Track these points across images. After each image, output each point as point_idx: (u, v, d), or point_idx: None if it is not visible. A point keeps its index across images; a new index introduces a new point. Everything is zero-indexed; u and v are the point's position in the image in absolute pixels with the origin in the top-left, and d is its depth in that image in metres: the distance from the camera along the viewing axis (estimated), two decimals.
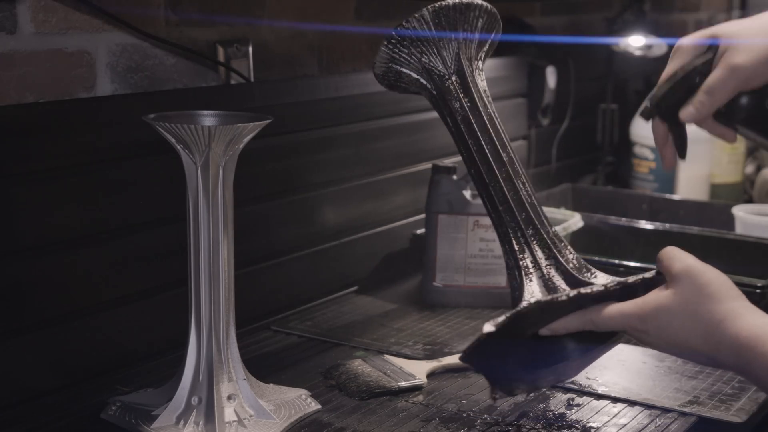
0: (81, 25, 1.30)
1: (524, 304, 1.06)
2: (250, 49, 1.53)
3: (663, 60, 1.17)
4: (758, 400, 1.23)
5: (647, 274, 1.04)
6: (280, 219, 1.54)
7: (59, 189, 1.22)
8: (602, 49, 2.38)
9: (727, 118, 1.11)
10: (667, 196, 2.15)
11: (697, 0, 3.00)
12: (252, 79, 1.52)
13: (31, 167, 1.19)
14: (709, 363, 1.01)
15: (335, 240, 1.65)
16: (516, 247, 1.11)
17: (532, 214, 1.12)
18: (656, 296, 1.00)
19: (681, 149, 1.15)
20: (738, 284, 1.46)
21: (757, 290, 1.47)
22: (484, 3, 1.19)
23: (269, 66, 1.58)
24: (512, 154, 1.15)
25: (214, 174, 1.11)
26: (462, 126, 1.16)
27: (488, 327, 1.03)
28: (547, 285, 1.09)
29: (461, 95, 1.16)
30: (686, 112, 1.10)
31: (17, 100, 1.23)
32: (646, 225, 1.87)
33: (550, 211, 1.82)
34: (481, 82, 1.19)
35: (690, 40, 1.11)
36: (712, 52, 1.09)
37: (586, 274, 1.10)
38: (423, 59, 1.18)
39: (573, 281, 1.09)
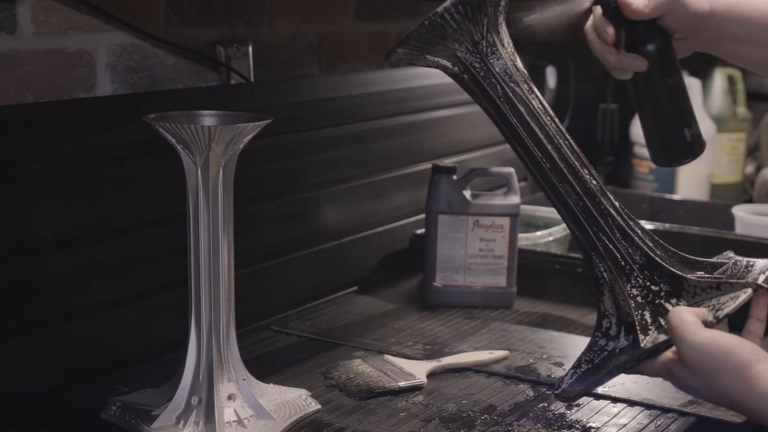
0: (81, 25, 1.30)
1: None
2: (250, 49, 1.53)
3: None
4: None
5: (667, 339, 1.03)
6: (280, 219, 1.54)
7: (59, 189, 1.22)
8: None
9: (635, 49, 1.14)
10: (667, 196, 2.15)
11: None
12: (252, 79, 1.52)
13: (31, 167, 1.19)
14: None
15: (335, 240, 1.65)
16: (584, 255, 1.09)
17: (584, 217, 1.08)
18: (668, 362, 1.00)
19: (617, 45, 1.17)
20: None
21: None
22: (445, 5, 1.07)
23: (269, 66, 1.58)
24: (550, 150, 1.09)
25: (214, 174, 1.11)
26: (496, 125, 1.10)
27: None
28: (616, 303, 1.06)
29: (480, 95, 1.09)
30: (636, 2, 1.11)
31: (17, 100, 1.23)
32: (646, 225, 1.86)
33: (550, 212, 1.82)
34: (500, 63, 1.08)
35: None
36: None
37: (651, 285, 1.06)
38: (432, 60, 1.10)
39: (628, 306, 1.06)
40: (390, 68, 1.79)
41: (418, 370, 1.29)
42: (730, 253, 1.10)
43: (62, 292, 1.23)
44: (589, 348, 1.07)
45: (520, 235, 1.63)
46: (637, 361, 1.04)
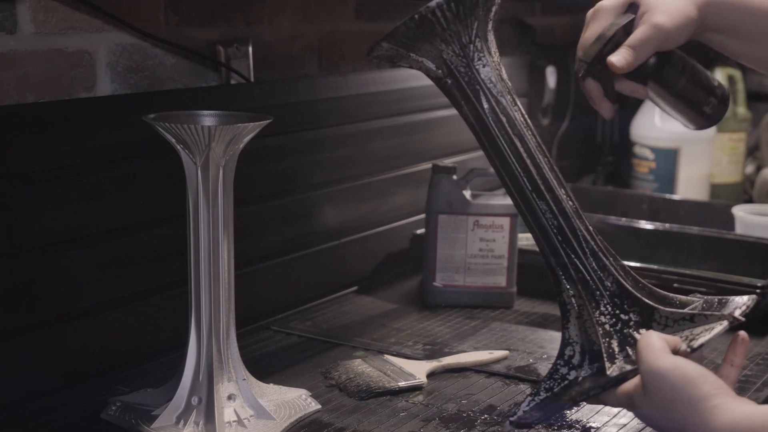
0: (81, 25, 1.30)
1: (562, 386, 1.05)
2: (250, 49, 1.53)
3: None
4: (758, 400, 1.23)
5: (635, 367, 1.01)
6: (280, 219, 1.54)
7: (59, 189, 1.22)
8: None
9: (641, 75, 1.15)
10: (667, 196, 2.15)
11: None
12: (252, 79, 1.52)
13: (31, 167, 1.19)
14: None
15: (335, 240, 1.65)
16: (552, 279, 1.07)
17: (558, 240, 1.06)
18: (632, 395, 0.98)
19: (612, 97, 1.17)
20: (738, 284, 1.48)
21: (757, 290, 1.47)
22: None
23: (269, 66, 1.58)
24: (528, 165, 1.06)
25: (214, 174, 1.11)
26: (473, 133, 1.08)
27: (506, 427, 1.06)
28: (582, 329, 1.04)
29: (462, 101, 1.07)
30: (615, 58, 1.10)
31: (17, 100, 1.23)
32: (646, 225, 1.87)
33: None
34: (485, 71, 1.07)
35: (610, 2, 1.14)
36: (632, 12, 1.13)
37: (621, 313, 1.05)
38: (416, 59, 1.08)
39: (595, 334, 1.04)
40: (390, 68, 1.79)
41: (418, 370, 1.29)
42: (698, 295, 1.09)
43: (62, 292, 1.23)
44: (550, 375, 1.05)
45: (520, 235, 1.63)
46: (602, 389, 1.01)
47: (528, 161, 1.06)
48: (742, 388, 1.27)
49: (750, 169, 2.39)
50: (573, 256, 1.06)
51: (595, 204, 2.11)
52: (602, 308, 1.04)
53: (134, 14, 1.35)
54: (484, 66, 1.07)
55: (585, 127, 2.39)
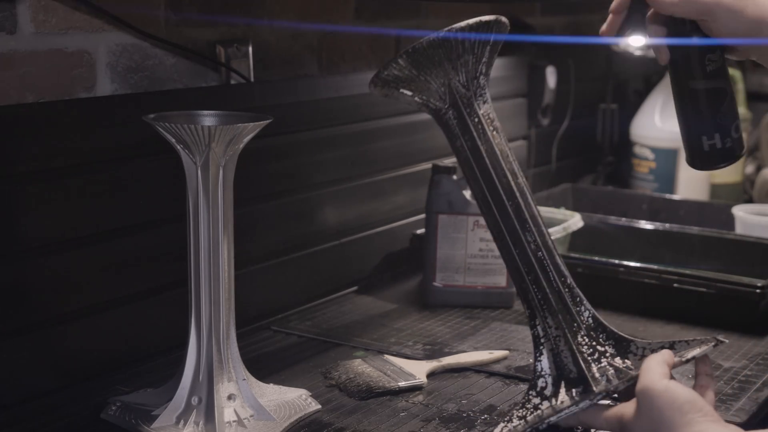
0: (81, 25, 1.30)
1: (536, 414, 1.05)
2: (250, 49, 1.53)
3: None
4: (758, 400, 1.23)
5: (631, 377, 1.03)
6: (280, 219, 1.54)
7: (59, 189, 1.22)
8: (602, 49, 2.38)
9: (676, 35, 1.08)
10: (667, 196, 2.15)
11: None
12: (252, 79, 1.52)
13: (31, 167, 1.19)
14: None
15: (335, 240, 1.65)
16: (527, 312, 1.09)
17: (540, 274, 1.07)
18: (622, 414, 0.99)
19: (623, 28, 1.13)
20: (738, 284, 1.48)
21: (757, 290, 1.47)
22: (472, 21, 1.07)
23: (269, 66, 1.58)
24: (520, 200, 1.08)
25: (214, 174, 1.11)
26: (464, 166, 1.10)
27: None
28: (557, 361, 1.06)
29: (461, 133, 1.09)
30: None
31: (17, 100, 1.23)
32: (646, 225, 1.87)
33: (550, 211, 1.82)
34: (485, 107, 1.10)
35: None
36: None
37: (597, 345, 1.06)
38: (415, 97, 1.09)
39: (576, 361, 1.05)
40: None
41: (418, 370, 1.29)
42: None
43: (62, 292, 1.23)
44: (522, 405, 1.07)
45: None
46: (588, 405, 1.02)
47: (518, 194, 1.09)
48: (742, 388, 1.27)
49: (750, 169, 2.39)
50: (555, 287, 1.07)
51: (595, 204, 2.11)
52: (579, 339, 1.06)
53: (134, 14, 1.35)
54: (484, 103, 1.10)
55: (585, 127, 2.39)
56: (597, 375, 1.04)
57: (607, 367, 1.05)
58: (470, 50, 1.07)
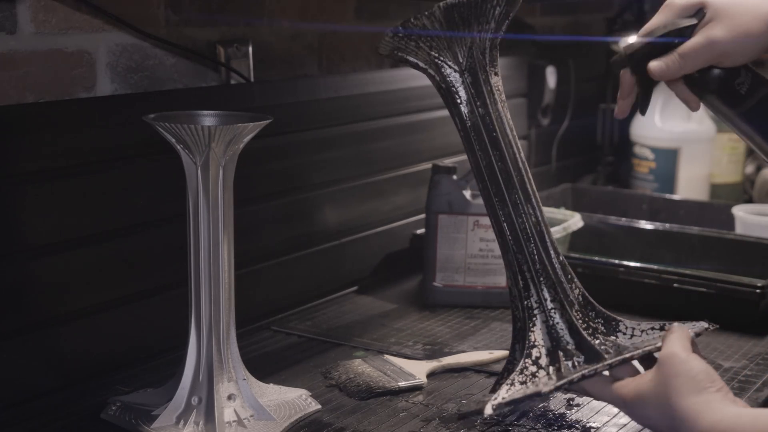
0: (81, 25, 1.30)
1: (527, 387, 1.04)
2: (250, 49, 1.53)
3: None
4: (758, 400, 1.23)
5: (647, 347, 1.03)
6: (280, 219, 1.54)
7: (59, 189, 1.22)
8: (602, 49, 2.38)
9: (697, 86, 1.10)
10: (667, 196, 2.15)
11: None
12: (252, 79, 1.52)
13: (32, 167, 1.19)
14: None
15: (335, 240, 1.65)
16: (521, 283, 1.09)
17: (540, 246, 1.08)
18: (637, 382, 0.99)
19: (643, 105, 1.14)
20: (738, 284, 1.48)
21: (757, 290, 1.47)
22: None
23: (269, 66, 1.58)
24: (524, 173, 1.10)
25: (214, 174, 1.11)
26: (472, 133, 1.10)
27: (488, 409, 1.02)
28: (551, 333, 1.06)
29: (474, 99, 1.09)
30: (656, 65, 1.08)
31: (17, 100, 1.23)
32: (646, 225, 1.87)
33: (549, 211, 1.82)
34: (495, 79, 1.11)
35: (682, 0, 1.10)
36: (698, 17, 1.08)
37: (589, 321, 1.07)
38: (432, 53, 1.09)
39: (575, 332, 1.06)
40: (390, 68, 1.79)
41: (418, 370, 1.29)
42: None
43: (62, 292, 1.23)
44: (520, 371, 1.06)
45: None
46: (593, 374, 1.02)
47: (522, 168, 1.10)
48: (742, 388, 1.27)
49: (750, 169, 2.39)
50: (552, 260, 1.08)
51: (595, 204, 2.11)
52: (574, 313, 1.07)
53: (134, 14, 1.35)
54: (496, 74, 1.11)
55: (585, 127, 2.39)
56: (598, 348, 1.05)
57: (604, 341, 1.06)
58: (494, 18, 1.08)
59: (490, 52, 1.10)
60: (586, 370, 1.03)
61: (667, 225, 1.86)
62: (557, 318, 1.07)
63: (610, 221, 1.89)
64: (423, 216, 1.64)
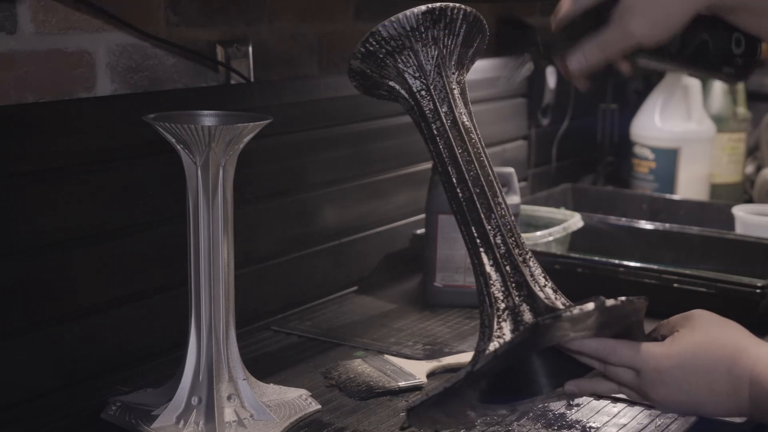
0: (81, 25, 1.30)
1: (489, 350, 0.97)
2: (250, 49, 1.53)
3: None
4: None
5: (632, 298, 0.97)
6: (280, 219, 1.54)
7: (59, 189, 1.22)
8: None
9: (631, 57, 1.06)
10: (667, 196, 2.15)
11: None
12: (252, 79, 1.52)
13: (31, 167, 1.19)
14: (728, 406, 0.94)
15: (335, 240, 1.65)
16: (492, 276, 1.04)
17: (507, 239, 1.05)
18: (679, 339, 0.95)
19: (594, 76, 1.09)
20: (738, 284, 1.48)
21: (757, 290, 1.47)
22: (467, 8, 1.09)
23: (269, 66, 1.58)
24: (489, 170, 1.09)
25: (214, 174, 1.11)
26: (440, 144, 1.09)
27: (440, 387, 0.96)
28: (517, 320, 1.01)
29: (439, 108, 1.09)
30: (575, 60, 1.04)
31: (17, 100, 1.23)
32: (646, 225, 1.87)
33: (550, 211, 1.82)
34: (458, 89, 1.11)
35: None
36: None
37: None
38: (399, 65, 1.10)
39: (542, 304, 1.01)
40: None
41: (418, 370, 1.29)
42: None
43: (62, 292, 1.23)
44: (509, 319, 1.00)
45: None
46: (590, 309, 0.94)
47: (487, 163, 1.09)
48: None
49: (750, 169, 2.39)
50: (515, 257, 1.05)
51: (595, 204, 2.11)
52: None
53: (134, 14, 1.35)
54: (459, 84, 1.11)
55: (585, 127, 2.39)
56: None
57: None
58: (455, 39, 1.10)
59: (457, 72, 1.11)
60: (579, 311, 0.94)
61: (667, 225, 1.86)
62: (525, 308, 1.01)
63: (610, 221, 1.89)
64: (423, 216, 1.64)
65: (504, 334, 0.99)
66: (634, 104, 2.44)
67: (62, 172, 1.23)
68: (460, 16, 1.09)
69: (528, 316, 0.99)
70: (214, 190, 1.12)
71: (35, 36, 1.24)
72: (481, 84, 1.96)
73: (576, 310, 0.94)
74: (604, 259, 1.60)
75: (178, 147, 1.11)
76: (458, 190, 1.08)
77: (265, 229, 1.51)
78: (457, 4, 1.08)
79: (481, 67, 1.98)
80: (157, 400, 1.15)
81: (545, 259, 1.64)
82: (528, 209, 1.84)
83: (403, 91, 1.11)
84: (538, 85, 2.17)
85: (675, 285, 1.52)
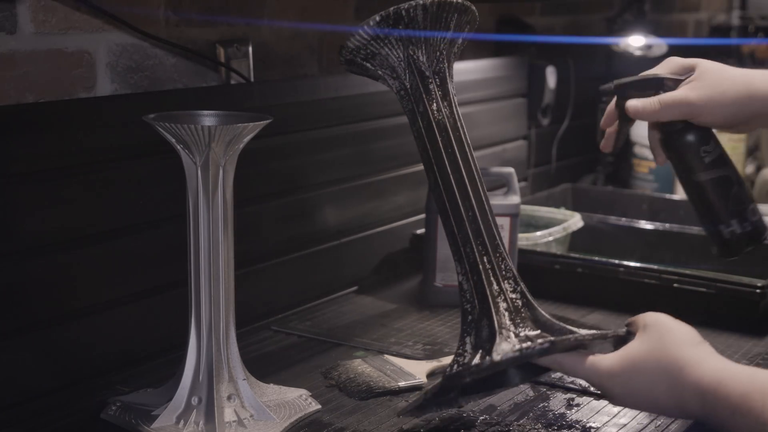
0: (81, 25, 1.30)
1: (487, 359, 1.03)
2: (250, 49, 1.53)
3: (662, 60, 1.19)
4: None
5: (620, 331, 1.03)
6: (281, 219, 1.54)
7: (59, 189, 1.22)
8: (602, 49, 2.38)
9: (669, 140, 1.15)
10: (667, 196, 2.15)
11: (697, 0, 3.00)
12: (252, 79, 1.52)
13: (32, 167, 1.19)
14: (676, 414, 1.01)
15: (335, 240, 1.65)
16: (479, 284, 1.10)
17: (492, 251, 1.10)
18: (626, 350, 0.99)
19: (617, 140, 1.21)
20: (738, 284, 1.48)
21: (757, 290, 1.47)
22: (425, 1, 1.10)
23: (269, 66, 1.58)
24: (474, 169, 1.12)
25: (214, 174, 1.11)
26: (437, 131, 1.13)
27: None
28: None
29: (440, 99, 1.11)
30: (633, 103, 1.15)
31: (17, 100, 1.23)
32: (646, 225, 1.87)
33: (550, 211, 1.82)
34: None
35: (681, 59, 1.17)
36: (687, 75, 1.14)
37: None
38: (409, 51, 1.11)
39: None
40: None
41: (418, 370, 1.29)
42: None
43: (62, 292, 1.23)
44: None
45: (520, 235, 1.63)
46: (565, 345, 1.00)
47: (476, 168, 1.13)
48: None
49: (750, 169, 2.39)
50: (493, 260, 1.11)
51: (595, 204, 2.11)
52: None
53: (134, 14, 1.35)
54: (451, 80, 1.14)
55: (585, 127, 2.39)
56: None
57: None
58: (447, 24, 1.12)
59: (452, 63, 1.13)
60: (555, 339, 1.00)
61: (667, 225, 1.86)
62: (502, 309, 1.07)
63: (610, 221, 1.89)
64: (423, 216, 1.64)
65: (466, 351, 1.07)
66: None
67: (62, 172, 1.23)
68: (419, 12, 1.10)
69: (486, 333, 1.06)
70: (214, 190, 1.12)
71: (35, 36, 1.24)
72: (481, 84, 1.96)
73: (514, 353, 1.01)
74: (604, 259, 1.60)
75: (178, 147, 1.11)
76: (437, 194, 1.13)
77: (265, 229, 1.51)
78: (412, 2, 1.10)
79: (482, 67, 1.99)
80: (157, 400, 1.15)
81: (545, 259, 1.64)
82: (528, 209, 1.84)
83: (393, 91, 1.15)
84: (538, 85, 2.17)
85: (675, 285, 1.52)
